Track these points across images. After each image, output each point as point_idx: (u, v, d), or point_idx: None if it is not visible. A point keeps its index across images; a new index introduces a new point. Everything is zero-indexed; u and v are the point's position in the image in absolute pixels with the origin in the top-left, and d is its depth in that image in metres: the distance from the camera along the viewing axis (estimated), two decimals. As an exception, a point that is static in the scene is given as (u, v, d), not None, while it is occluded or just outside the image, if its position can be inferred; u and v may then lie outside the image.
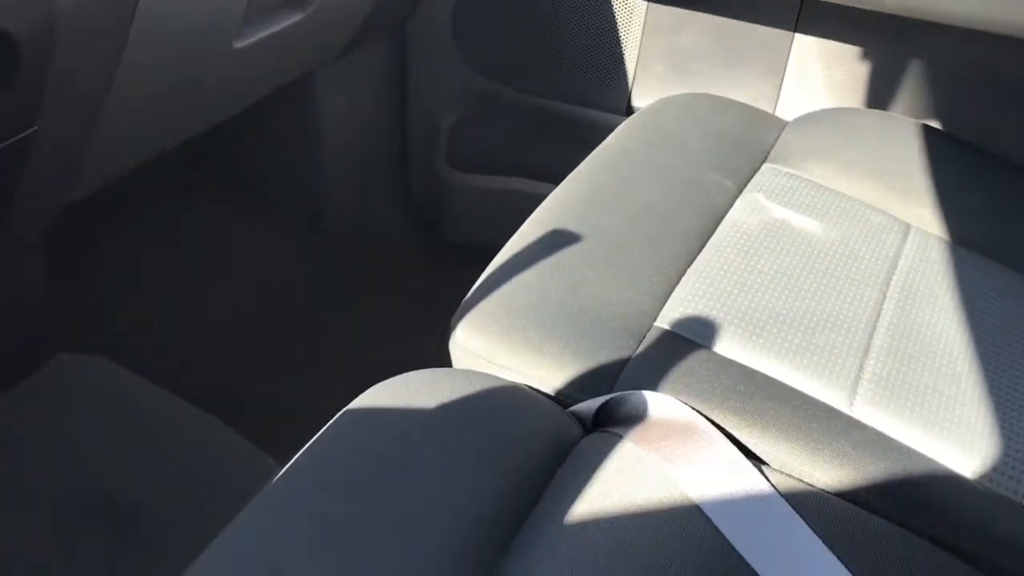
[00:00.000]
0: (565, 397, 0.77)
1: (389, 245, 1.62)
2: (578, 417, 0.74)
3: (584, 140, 1.41)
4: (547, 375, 0.77)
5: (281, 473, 0.65)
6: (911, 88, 1.27)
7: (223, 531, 0.61)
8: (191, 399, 1.13)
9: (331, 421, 0.69)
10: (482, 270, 1.58)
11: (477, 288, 0.87)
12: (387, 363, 1.44)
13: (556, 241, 0.91)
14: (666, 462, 0.65)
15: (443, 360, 1.41)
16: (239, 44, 1.02)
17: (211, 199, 1.62)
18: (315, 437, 0.68)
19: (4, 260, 0.88)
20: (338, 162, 1.55)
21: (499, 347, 0.80)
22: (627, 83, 1.40)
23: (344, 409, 0.71)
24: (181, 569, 0.85)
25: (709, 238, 0.95)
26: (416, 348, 1.43)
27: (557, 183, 1.42)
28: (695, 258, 0.92)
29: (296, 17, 1.10)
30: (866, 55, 1.30)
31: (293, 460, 0.66)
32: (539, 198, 1.47)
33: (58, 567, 0.87)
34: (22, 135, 0.74)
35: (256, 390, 1.32)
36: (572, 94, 1.44)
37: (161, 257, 1.49)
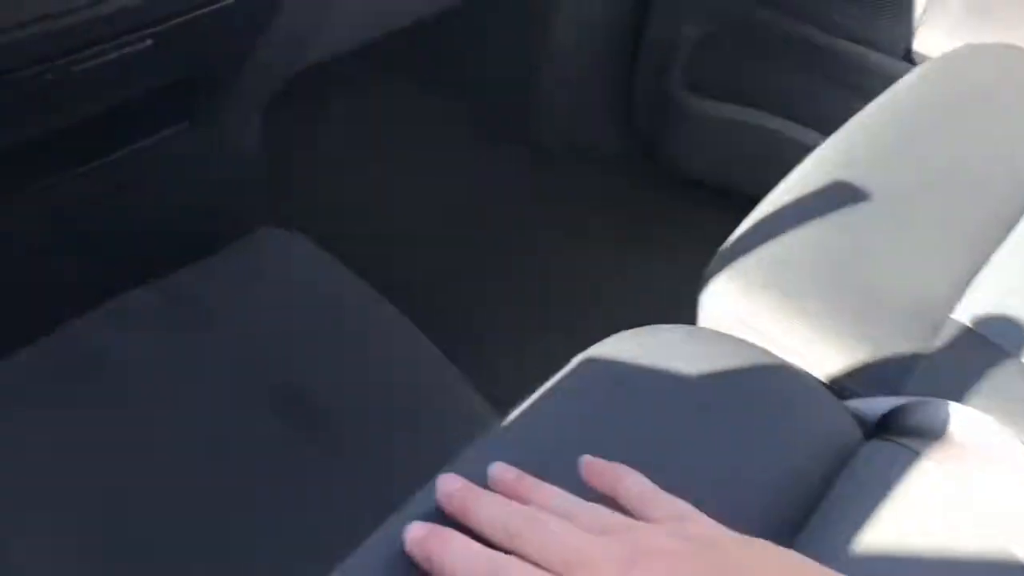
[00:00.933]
0: (840, 388, 0.64)
1: (599, 163, 1.50)
2: (855, 415, 0.62)
3: (850, 82, 1.24)
4: (821, 356, 0.65)
5: (510, 419, 0.56)
6: None
7: (441, 471, 0.52)
8: (389, 298, 1.07)
9: (566, 369, 0.60)
10: (709, 207, 1.45)
11: (740, 236, 0.74)
12: (603, 296, 1.36)
13: (837, 196, 0.78)
14: (982, 496, 0.53)
15: (671, 310, 1.28)
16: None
17: (422, 90, 1.54)
18: (549, 384, 0.58)
19: (226, 123, 0.82)
20: (558, 64, 1.43)
21: (764, 311, 0.68)
22: (912, 21, 1.21)
23: (581, 358, 0.61)
24: (369, 478, 0.79)
25: (1021, 219, 0.79)
26: (628, 280, 1.32)
27: (808, 125, 1.25)
28: (1003, 240, 0.76)
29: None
30: None
31: (523, 407, 0.57)
32: (786, 139, 1.32)
33: (241, 455, 0.82)
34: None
35: (460, 304, 1.25)
36: (843, 26, 1.26)
37: (372, 144, 1.42)
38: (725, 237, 1.42)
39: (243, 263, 0.95)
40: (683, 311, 1.29)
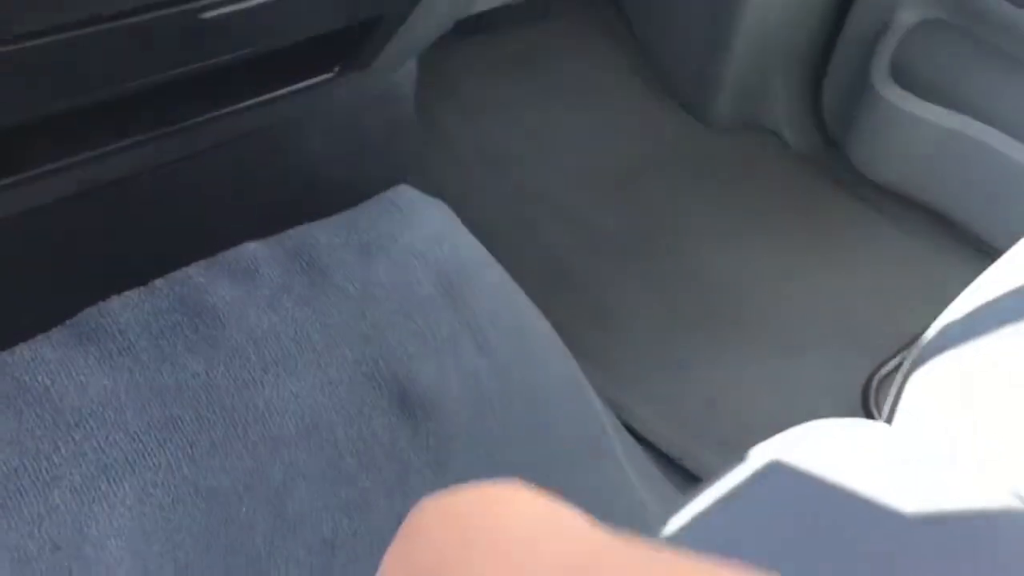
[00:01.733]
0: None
1: (779, 149, 1.34)
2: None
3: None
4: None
5: (676, 527, 0.45)
6: None
7: None
8: (524, 269, 0.97)
9: (742, 472, 0.48)
10: (898, 221, 1.28)
11: (972, 312, 0.60)
12: (756, 303, 1.21)
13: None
14: None
15: (834, 340, 1.12)
16: None
17: (595, 36, 1.40)
18: (723, 489, 0.47)
19: (380, 71, 0.71)
20: (749, 36, 1.27)
21: (996, 442, 0.54)
22: None
23: (758, 458, 0.49)
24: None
25: None
26: (789, 290, 1.18)
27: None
28: None
29: None
30: None
31: (692, 511, 0.46)
32: (1013, 164, 1.14)
33: (343, 447, 0.74)
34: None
35: (596, 286, 1.14)
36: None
37: (529, 90, 1.30)
38: (913, 259, 1.26)
39: (372, 225, 0.86)
40: (848, 346, 1.15)
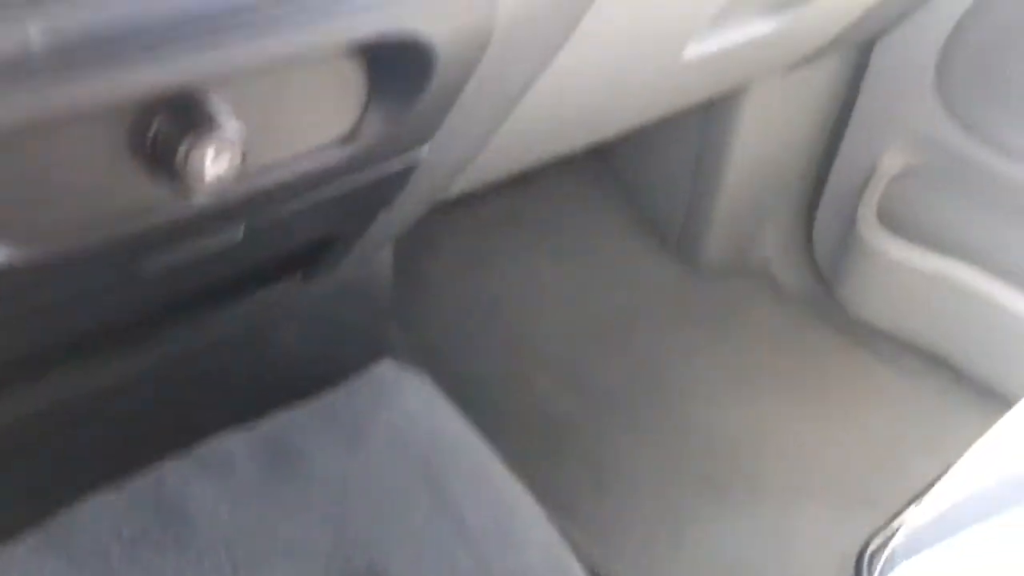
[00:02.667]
0: None
1: (771, 292, 1.34)
2: None
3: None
4: None
5: None
6: None
7: None
8: (514, 429, 0.96)
9: None
10: (893, 364, 1.26)
11: (958, 493, 0.58)
12: (751, 457, 1.20)
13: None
14: None
15: (831, 492, 1.10)
16: (689, 55, 0.78)
17: (582, 182, 1.42)
18: None
19: (347, 268, 0.72)
20: (736, 182, 1.29)
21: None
22: None
23: None
24: None
25: None
26: (786, 440, 1.16)
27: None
28: None
29: (768, 27, 0.83)
30: None
31: None
32: (1000, 309, 1.13)
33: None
34: (410, 161, 0.54)
35: (589, 447, 1.12)
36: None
37: (515, 241, 1.31)
38: (912, 402, 1.24)
39: (350, 406, 0.85)
40: (849, 501, 1.12)
